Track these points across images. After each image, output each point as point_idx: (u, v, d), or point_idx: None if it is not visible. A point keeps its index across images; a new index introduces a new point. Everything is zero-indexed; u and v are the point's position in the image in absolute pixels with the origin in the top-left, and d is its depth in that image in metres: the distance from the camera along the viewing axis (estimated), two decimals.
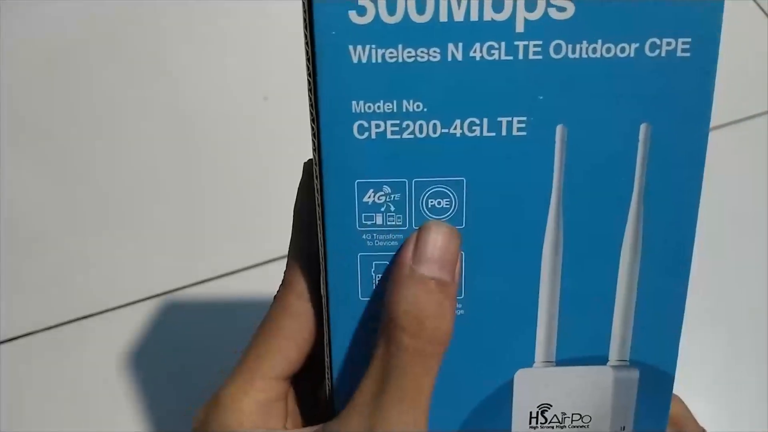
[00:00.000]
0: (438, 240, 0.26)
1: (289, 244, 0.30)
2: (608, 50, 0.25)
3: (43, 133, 0.66)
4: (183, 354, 0.57)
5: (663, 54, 0.25)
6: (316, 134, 0.25)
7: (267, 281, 0.59)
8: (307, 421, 0.31)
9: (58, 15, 0.71)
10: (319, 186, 0.26)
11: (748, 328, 0.58)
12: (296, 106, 0.66)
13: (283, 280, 0.29)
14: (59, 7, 0.71)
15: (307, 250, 0.29)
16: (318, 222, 0.27)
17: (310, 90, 0.25)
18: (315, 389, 0.33)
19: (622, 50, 0.25)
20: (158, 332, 0.58)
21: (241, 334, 0.56)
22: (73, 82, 0.68)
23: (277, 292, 0.29)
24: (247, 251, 0.61)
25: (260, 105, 0.67)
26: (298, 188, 0.30)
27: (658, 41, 0.25)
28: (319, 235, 0.27)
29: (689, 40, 0.25)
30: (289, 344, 0.28)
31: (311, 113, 0.25)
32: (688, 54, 0.25)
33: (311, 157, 0.30)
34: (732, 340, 0.57)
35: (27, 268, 0.61)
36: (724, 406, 0.54)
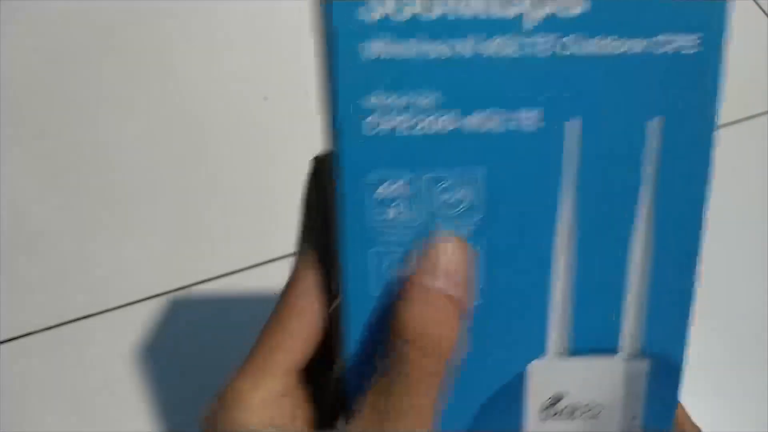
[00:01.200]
0: (446, 251, 0.26)
1: (296, 240, 0.30)
2: (619, 46, 0.25)
3: (43, 132, 0.66)
4: (184, 355, 0.57)
5: (671, 50, 0.25)
6: (330, 128, 0.25)
7: (267, 281, 0.59)
8: (315, 413, 0.31)
9: (58, 15, 0.70)
10: (330, 181, 0.26)
11: (748, 328, 0.58)
12: (296, 106, 0.67)
13: (289, 276, 0.29)
14: (59, 7, 0.71)
15: (314, 245, 0.29)
16: (330, 218, 0.27)
17: (321, 86, 0.25)
18: (322, 380, 0.33)
19: (631, 47, 0.25)
20: (159, 332, 0.58)
21: (242, 334, 0.56)
22: (73, 81, 0.68)
23: (284, 287, 0.29)
24: (246, 251, 0.61)
25: (260, 105, 0.67)
26: (305, 184, 0.30)
27: (666, 38, 0.25)
28: (331, 231, 0.27)
29: (698, 35, 0.25)
30: (295, 340, 0.28)
31: (325, 108, 0.25)
32: (697, 50, 0.25)
33: (317, 153, 0.30)
34: (732, 339, 0.57)
35: (27, 268, 0.60)
36: (724, 406, 0.55)
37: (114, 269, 0.61)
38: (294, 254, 0.30)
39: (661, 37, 0.25)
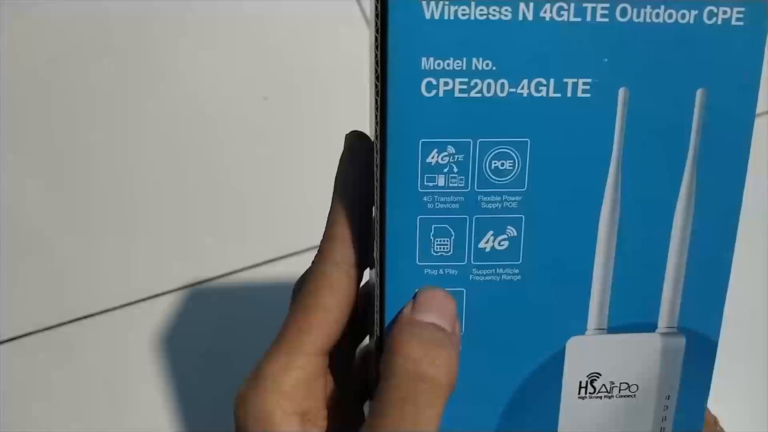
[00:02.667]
0: (435, 294, 0.27)
1: (327, 215, 0.30)
2: (670, 16, 0.26)
3: (43, 132, 0.66)
4: (184, 354, 0.57)
5: (719, 22, 0.26)
6: (381, 92, 0.25)
7: (268, 281, 0.58)
8: (344, 394, 0.31)
9: (59, 15, 0.70)
10: (380, 146, 0.26)
11: (748, 328, 0.58)
12: (296, 106, 0.67)
13: (319, 250, 0.29)
14: (59, 7, 0.70)
15: (347, 220, 0.28)
16: (375, 184, 0.27)
17: (376, 47, 0.25)
18: (349, 364, 0.33)
19: (683, 16, 0.26)
20: (159, 332, 0.57)
21: (241, 334, 0.56)
22: (73, 82, 0.68)
23: (313, 263, 0.29)
24: (246, 250, 0.61)
25: (260, 105, 0.67)
26: (340, 159, 0.30)
27: (715, 9, 0.26)
28: (376, 198, 0.27)
29: (743, 9, 0.26)
30: (328, 317, 0.28)
31: (376, 71, 0.25)
32: (741, 23, 0.26)
33: (352, 130, 0.29)
34: (732, 339, 0.57)
35: (27, 268, 0.60)
36: (724, 406, 0.55)
37: (114, 269, 0.60)
38: (325, 228, 0.30)
39: (710, 9, 0.26)
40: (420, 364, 0.25)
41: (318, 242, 0.29)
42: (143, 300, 0.59)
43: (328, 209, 0.30)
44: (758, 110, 0.66)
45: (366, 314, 0.31)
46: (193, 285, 0.59)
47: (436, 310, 0.27)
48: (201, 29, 0.70)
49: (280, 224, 0.62)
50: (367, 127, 0.29)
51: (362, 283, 0.29)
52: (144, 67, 0.68)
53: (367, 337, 0.33)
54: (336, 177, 0.30)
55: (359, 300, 0.29)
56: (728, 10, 0.26)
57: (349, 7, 0.71)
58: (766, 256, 0.61)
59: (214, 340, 0.57)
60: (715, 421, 0.49)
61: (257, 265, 0.60)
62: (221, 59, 0.69)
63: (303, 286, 0.29)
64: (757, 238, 0.62)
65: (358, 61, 0.68)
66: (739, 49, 0.26)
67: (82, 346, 0.57)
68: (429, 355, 0.26)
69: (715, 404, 0.52)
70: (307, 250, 0.60)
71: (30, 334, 0.57)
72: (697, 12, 0.26)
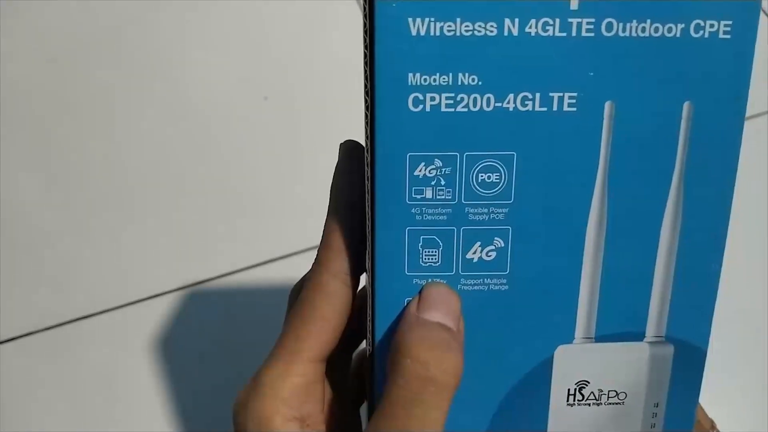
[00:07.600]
0: (440, 292, 0.27)
1: (324, 224, 0.30)
2: (656, 30, 0.26)
3: (43, 132, 0.66)
4: (184, 354, 0.57)
5: (706, 35, 0.26)
6: (370, 107, 0.26)
7: (268, 280, 0.59)
8: (339, 402, 0.31)
9: (59, 15, 0.70)
10: (369, 159, 0.26)
11: (748, 328, 0.58)
12: (296, 106, 0.67)
13: (316, 260, 0.29)
14: (59, 7, 0.70)
15: (343, 229, 0.29)
16: (367, 196, 0.27)
17: (365, 63, 0.25)
18: (346, 369, 0.33)
19: (669, 30, 0.26)
20: (159, 332, 0.58)
21: (240, 335, 0.56)
22: (73, 81, 0.68)
23: (310, 272, 0.29)
24: (246, 250, 0.61)
25: (260, 105, 0.67)
26: (335, 169, 0.30)
27: (702, 23, 0.26)
28: (368, 210, 0.27)
29: (730, 22, 0.26)
30: (325, 326, 0.29)
31: (365, 85, 0.26)
32: (729, 36, 0.26)
33: (346, 139, 0.30)
34: (732, 339, 0.57)
35: (26, 269, 0.60)
36: (724, 406, 0.55)
37: (113, 269, 0.60)
38: (322, 236, 0.30)
39: (697, 22, 0.26)
40: (428, 367, 0.26)
41: (317, 243, 0.29)
42: (142, 300, 0.59)
43: (326, 215, 0.30)
44: (758, 110, 0.66)
45: (362, 318, 0.31)
46: (191, 285, 0.59)
47: (442, 308, 0.27)
48: (201, 29, 0.70)
49: (279, 224, 0.62)
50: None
51: (360, 288, 0.30)
52: (143, 67, 0.69)
53: (363, 342, 0.33)
54: (331, 186, 0.30)
55: (356, 304, 0.29)
56: (715, 23, 0.26)
57: (349, 7, 0.71)
58: (765, 258, 0.61)
59: (213, 341, 0.57)
60: (712, 425, 0.49)
61: (256, 265, 0.60)
62: (221, 59, 0.69)
63: (300, 293, 0.29)
64: (756, 240, 0.62)
65: (358, 61, 0.68)
66: (726, 63, 0.26)
67: (82, 346, 0.57)
68: (437, 357, 0.26)
69: (712, 407, 0.52)
70: (306, 250, 0.60)
71: (30, 334, 0.57)
72: (683, 26, 0.26)
